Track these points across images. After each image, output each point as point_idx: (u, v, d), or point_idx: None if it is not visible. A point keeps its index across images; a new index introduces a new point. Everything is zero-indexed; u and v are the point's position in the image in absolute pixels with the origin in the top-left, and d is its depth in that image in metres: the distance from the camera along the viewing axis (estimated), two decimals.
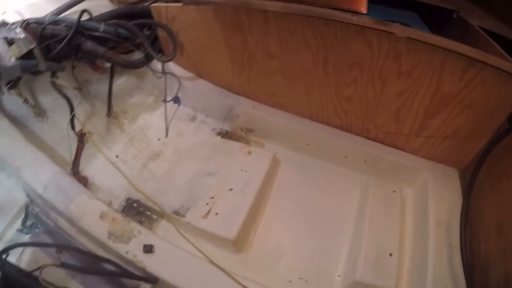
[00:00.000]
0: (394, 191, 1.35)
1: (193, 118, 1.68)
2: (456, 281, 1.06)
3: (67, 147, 1.46)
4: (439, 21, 1.51)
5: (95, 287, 1.26)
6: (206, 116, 1.66)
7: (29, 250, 1.34)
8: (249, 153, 1.46)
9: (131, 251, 1.14)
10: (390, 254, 1.19)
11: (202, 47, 1.48)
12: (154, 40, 1.53)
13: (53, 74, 1.39)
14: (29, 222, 1.41)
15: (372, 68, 1.21)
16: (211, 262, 1.10)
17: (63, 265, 1.11)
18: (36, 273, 0.96)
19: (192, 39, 1.47)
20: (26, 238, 1.39)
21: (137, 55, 1.48)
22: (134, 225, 1.19)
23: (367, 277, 1.13)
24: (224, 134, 1.60)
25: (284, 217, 1.35)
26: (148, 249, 1.13)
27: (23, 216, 1.41)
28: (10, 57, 1.27)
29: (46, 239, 1.40)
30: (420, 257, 1.19)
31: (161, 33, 1.51)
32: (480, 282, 1.03)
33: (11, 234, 1.35)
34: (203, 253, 1.13)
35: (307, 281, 1.21)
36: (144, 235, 1.16)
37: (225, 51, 1.41)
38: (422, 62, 1.13)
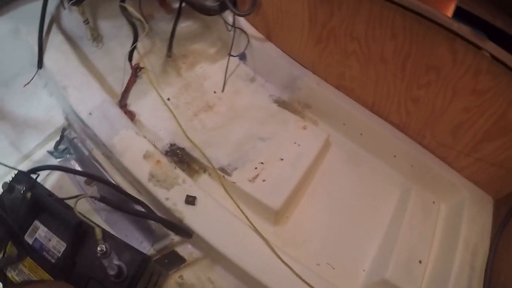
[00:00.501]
0: (433, 202, 1.35)
1: (252, 79, 1.63)
2: None
3: (117, 78, 1.41)
4: (505, 48, 1.49)
5: (120, 227, 1.23)
6: (266, 81, 1.62)
7: (55, 175, 1.30)
8: (304, 128, 1.42)
9: (172, 198, 1.10)
10: (420, 262, 1.19)
11: (281, 10, 1.42)
12: None
13: (123, 0, 1.33)
14: (62, 146, 1.37)
15: (449, 77, 1.18)
16: (254, 228, 1.08)
17: (102, 199, 1.05)
18: (71, 202, 0.91)
19: (273, 0, 1.41)
20: (55, 161, 1.36)
21: (210, 2, 1.42)
22: (179, 172, 1.15)
23: (396, 278, 1.13)
24: (281, 103, 1.56)
25: (323, 200, 1.34)
26: (191, 200, 1.10)
27: (57, 138, 1.37)
28: None
29: (76, 167, 1.36)
30: (443, 271, 1.19)
31: None
32: None
33: (40, 155, 1.32)
34: (247, 217, 1.11)
35: (333, 268, 1.21)
36: (188, 185, 1.13)
37: (306, 21, 1.36)
38: (497, 86, 1.10)
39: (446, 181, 1.38)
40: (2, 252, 0.85)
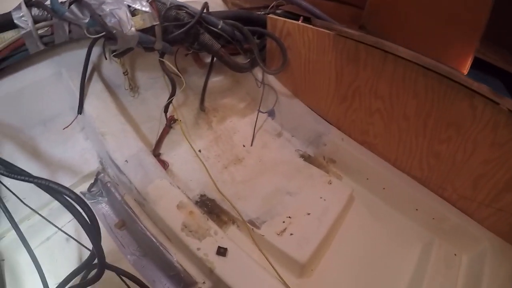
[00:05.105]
0: (455, 254, 1.37)
1: (279, 134, 1.69)
2: None
3: (150, 128, 1.47)
4: None
5: (148, 272, 1.26)
6: (292, 136, 1.68)
7: None
8: (330, 182, 1.47)
9: (203, 249, 1.14)
10: None
11: (309, 69, 1.50)
12: (261, 49, 1.55)
13: (162, 55, 1.41)
14: (95, 189, 1.41)
15: (469, 132, 1.23)
16: (282, 280, 1.11)
17: None
18: None
19: (301, 59, 1.49)
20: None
21: (240, 59, 1.50)
22: (211, 224, 1.19)
23: None
24: (306, 158, 1.61)
25: (347, 254, 1.36)
26: (222, 252, 1.13)
27: (89, 181, 1.40)
28: (131, 26, 1.27)
29: (107, 210, 1.40)
30: None
31: (269, 44, 1.53)
32: None
33: None
34: (276, 271, 1.14)
35: None
36: (219, 237, 1.17)
37: (332, 79, 1.43)
38: None
39: (467, 232, 1.40)
40: None
